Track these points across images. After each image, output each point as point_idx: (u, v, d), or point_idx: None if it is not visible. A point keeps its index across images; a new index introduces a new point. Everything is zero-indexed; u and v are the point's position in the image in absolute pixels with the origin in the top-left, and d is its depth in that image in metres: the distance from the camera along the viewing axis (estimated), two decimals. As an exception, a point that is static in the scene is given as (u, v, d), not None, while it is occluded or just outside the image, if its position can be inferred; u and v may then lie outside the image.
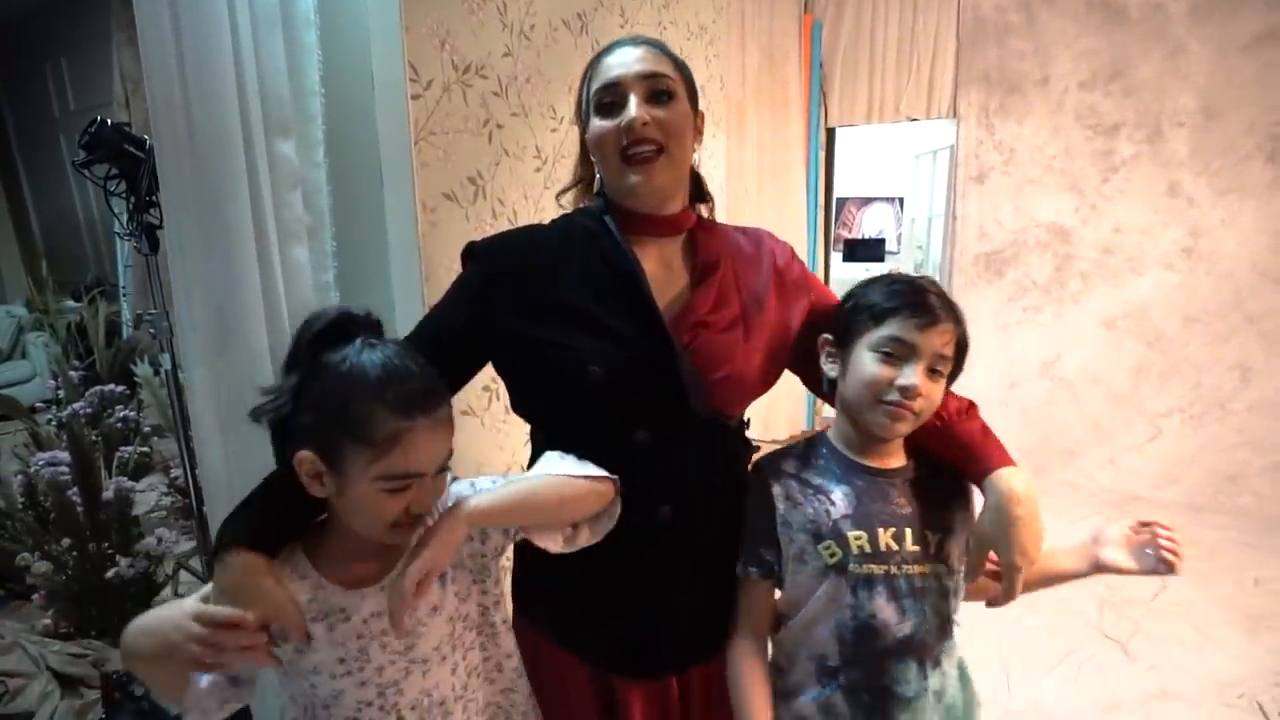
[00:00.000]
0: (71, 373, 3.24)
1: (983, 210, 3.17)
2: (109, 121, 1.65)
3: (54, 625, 1.94)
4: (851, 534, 0.76)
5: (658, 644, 0.81)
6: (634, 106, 0.72)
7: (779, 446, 0.85)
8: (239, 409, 1.22)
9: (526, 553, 0.84)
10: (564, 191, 0.86)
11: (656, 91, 0.74)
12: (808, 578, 0.78)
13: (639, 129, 0.72)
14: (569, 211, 0.84)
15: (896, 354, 0.73)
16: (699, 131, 0.80)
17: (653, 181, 0.74)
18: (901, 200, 6.19)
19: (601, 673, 0.83)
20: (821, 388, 0.85)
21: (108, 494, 2.01)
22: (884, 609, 0.76)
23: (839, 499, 0.78)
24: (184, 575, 2.19)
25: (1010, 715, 1.72)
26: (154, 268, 1.79)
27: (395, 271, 1.22)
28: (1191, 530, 2.60)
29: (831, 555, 0.76)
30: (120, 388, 2.98)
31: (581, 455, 0.73)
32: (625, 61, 0.74)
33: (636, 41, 0.77)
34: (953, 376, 0.78)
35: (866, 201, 6.52)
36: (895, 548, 0.77)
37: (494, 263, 0.78)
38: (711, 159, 2.63)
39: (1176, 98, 2.75)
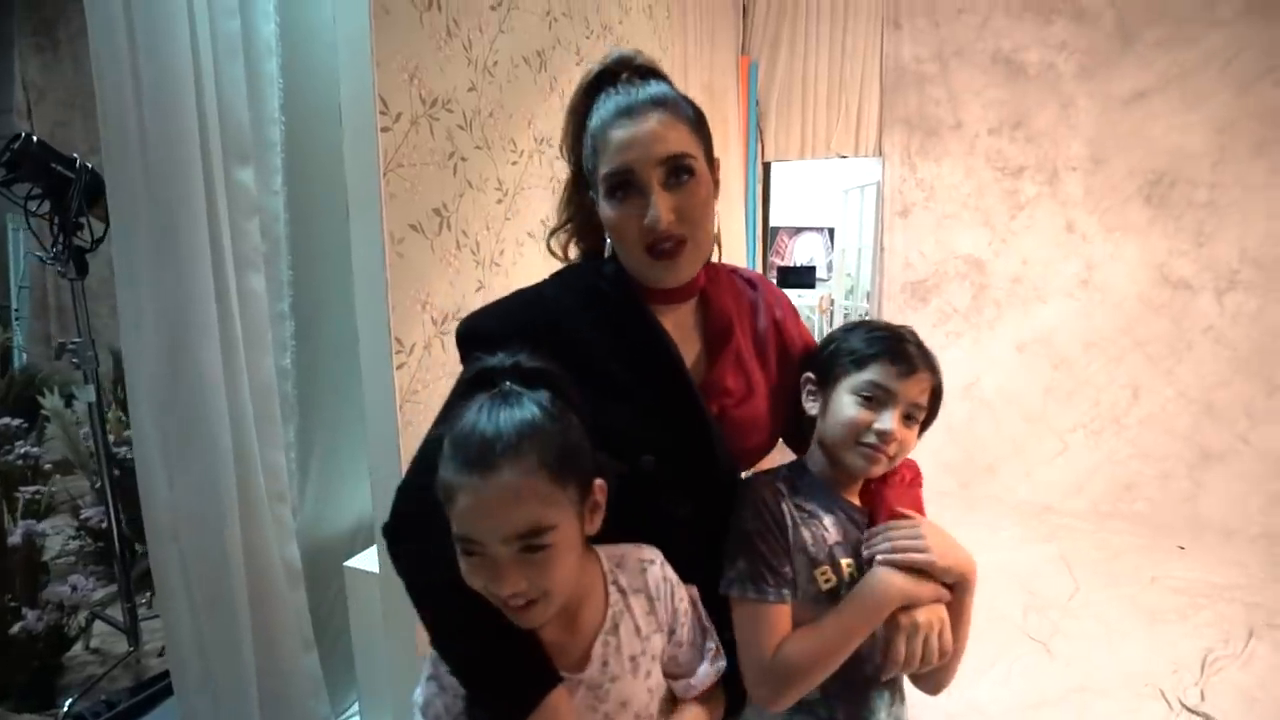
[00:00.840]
0: (-42, 405, 2.94)
1: (907, 242, 3.41)
2: (34, 138, 1.56)
3: (-53, 689, 1.74)
4: (844, 561, 0.76)
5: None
6: (654, 204, 0.66)
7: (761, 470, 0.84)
8: (189, 442, 1.18)
9: None
10: (554, 233, 0.80)
11: (676, 170, 0.67)
12: (799, 605, 0.75)
13: (664, 228, 0.66)
14: (565, 268, 0.79)
15: (875, 399, 0.75)
16: (717, 183, 0.73)
17: (679, 274, 0.70)
18: (832, 231, 6.54)
19: None
20: (794, 440, 0.87)
21: (14, 538, 1.84)
22: (866, 639, 0.75)
23: (830, 526, 0.78)
24: (99, 626, 2.02)
25: (949, 717, 1.82)
26: (79, 294, 1.69)
27: (360, 303, 1.20)
28: (1098, 536, 2.85)
29: (827, 581, 0.75)
30: (17, 421, 2.73)
31: (623, 535, 0.68)
32: (639, 138, 0.66)
33: (650, 106, 0.67)
34: (927, 422, 0.80)
35: (798, 231, 6.84)
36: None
37: (506, 341, 0.65)
38: (659, 190, 2.72)
39: (1069, 145, 3.08)
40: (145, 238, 1.11)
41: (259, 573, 1.26)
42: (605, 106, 0.70)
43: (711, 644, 0.72)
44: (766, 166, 3.80)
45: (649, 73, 0.74)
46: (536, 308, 0.73)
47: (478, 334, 0.71)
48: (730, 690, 0.75)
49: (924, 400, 0.77)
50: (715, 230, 0.75)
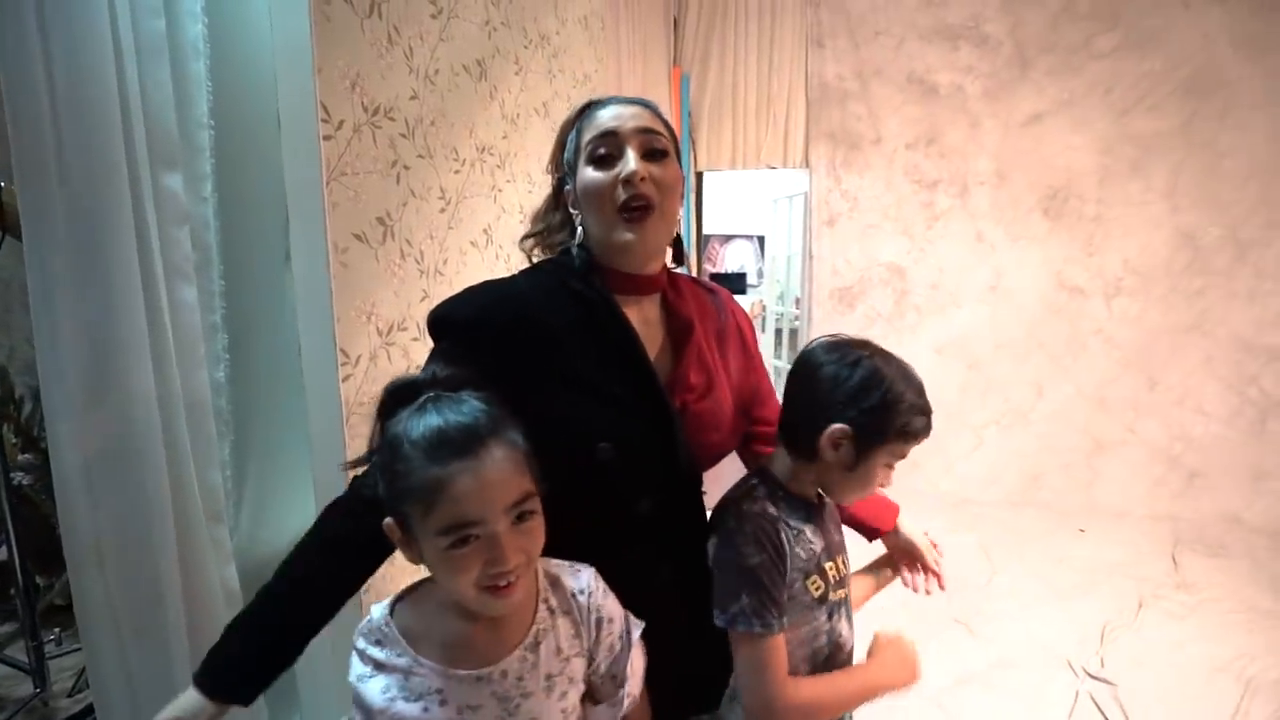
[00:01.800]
0: None
1: (834, 250, 3.58)
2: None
3: None
4: (827, 565, 0.81)
5: (662, 700, 0.78)
6: (633, 160, 0.71)
7: (731, 489, 0.83)
8: (117, 464, 1.11)
9: None
10: (527, 238, 0.83)
11: (652, 149, 0.73)
12: (795, 613, 0.79)
13: (638, 183, 0.70)
14: (539, 263, 0.81)
15: (894, 462, 0.83)
16: (681, 195, 0.79)
17: (645, 239, 0.73)
18: (762, 239, 6.76)
19: None
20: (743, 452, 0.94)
21: (-104, 577, 1.66)
22: (843, 629, 0.85)
23: (812, 535, 0.81)
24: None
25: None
26: (-25, 306, 1.55)
27: (304, 314, 1.17)
28: (1012, 523, 3.08)
29: (816, 589, 0.80)
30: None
31: (584, 529, 0.71)
32: (622, 116, 0.74)
33: (631, 100, 0.76)
34: None
35: (728, 238, 7.04)
36: (845, 572, 0.86)
37: (477, 328, 0.71)
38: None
39: (977, 161, 3.33)
40: (64, 249, 1.04)
41: (196, 598, 1.20)
42: (595, 108, 0.78)
43: (623, 692, 0.71)
44: (699, 176, 3.91)
45: (652, 107, 0.81)
46: (507, 298, 0.75)
47: (450, 320, 0.73)
48: None
49: None
50: (677, 229, 0.80)
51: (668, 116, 0.79)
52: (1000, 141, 3.27)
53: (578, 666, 0.68)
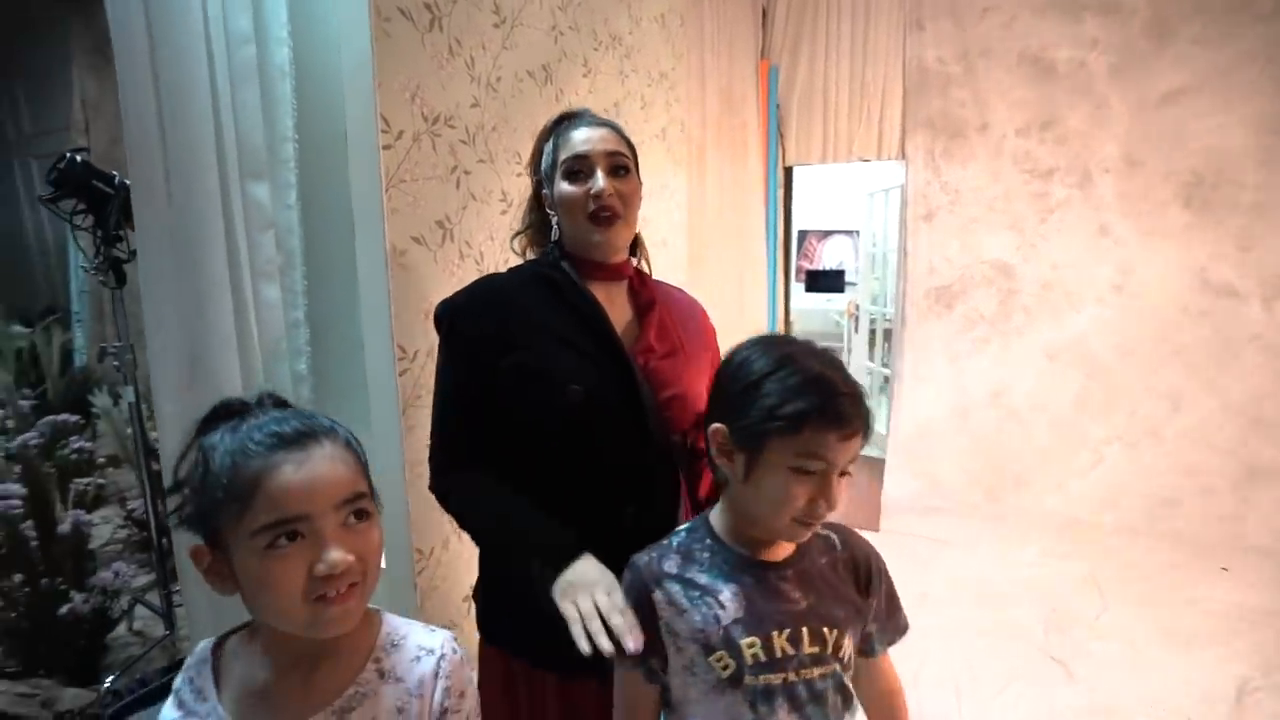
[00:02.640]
0: (21, 402, 3.16)
1: (932, 247, 3.35)
2: (78, 158, 1.68)
3: (0, 663, 1.88)
4: (744, 642, 0.68)
5: None
6: (601, 178, 0.87)
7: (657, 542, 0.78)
8: (206, 443, 1.26)
9: (488, 576, 0.95)
10: (517, 235, 1.00)
11: (616, 166, 0.89)
12: (701, 693, 0.70)
13: (605, 198, 0.86)
14: (521, 264, 0.97)
15: (813, 469, 0.65)
16: (639, 201, 0.96)
17: (612, 240, 0.90)
18: (857, 235, 6.44)
19: (571, 679, 0.89)
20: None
21: (63, 527, 1.98)
22: None
23: (728, 600, 0.70)
24: (140, 610, 2.15)
25: (959, 735, 1.79)
26: (119, 301, 1.81)
27: (366, 312, 1.27)
28: (1131, 553, 2.74)
29: (725, 668, 0.68)
30: (75, 418, 2.92)
31: (559, 461, 0.85)
32: (592, 139, 0.89)
33: (600, 122, 0.92)
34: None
35: (827, 234, 6.77)
36: (792, 651, 0.69)
37: (470, 316, 0.89)
38: (673, 197, 2.74)
39: (1102, 146, 2.98)
40: (168, 252, 1.19)
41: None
42: (569, 124, 0.93)
43: None
44: (788, 171, 3.79)
45: (617, 129, 0.97)
46: (491, 287, 0.93)
47: (447, 309, 0.91)
48: None
49: (859, 450, 0.68)
50: (636, 230, 0.95)
51: (630, 137, 0.95)
52: (1130, 123, 2.91)
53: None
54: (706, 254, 3.26)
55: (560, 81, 1.79)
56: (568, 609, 0.70)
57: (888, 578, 0.82)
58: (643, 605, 0.71)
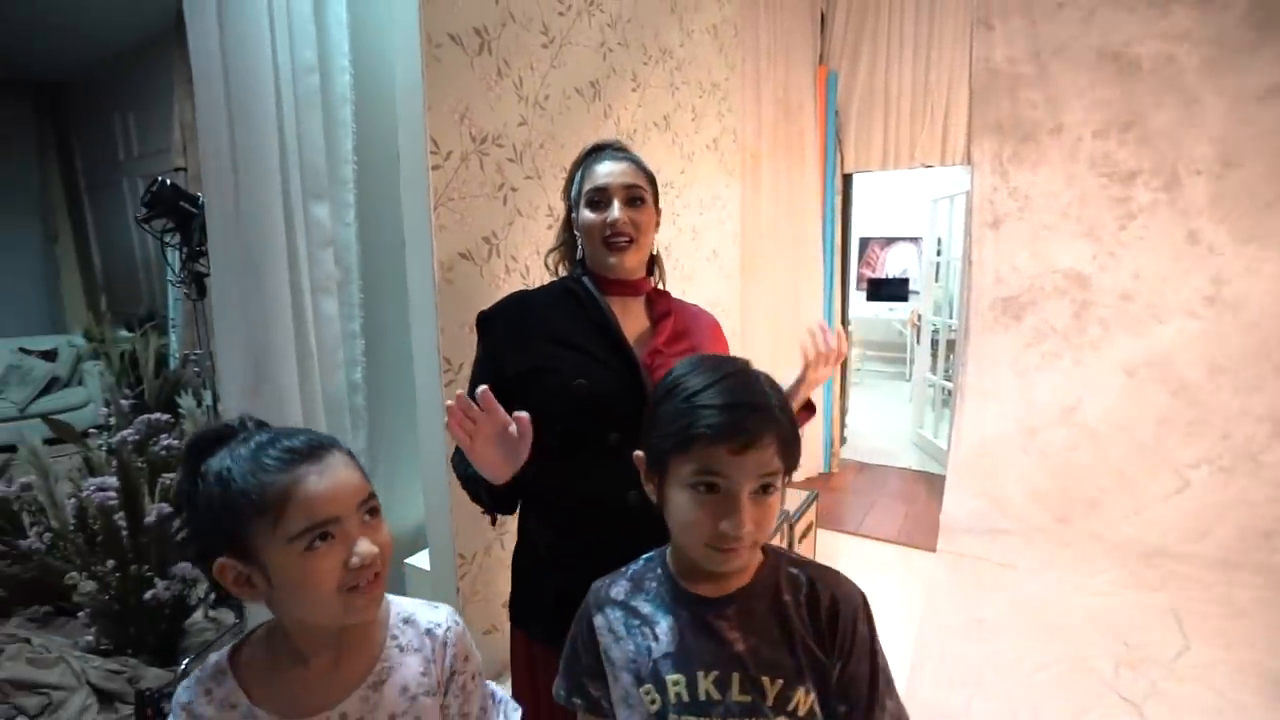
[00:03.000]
0: (122, 401, 3.45)
1: (999, 255, 3.19)
2: (169, 181, 1.82)
3: (95, 642, 2.06)
4: (670, 678, 0.64)
5: None
6: (617, 209, 0.97)
7: (613, 572, 0.76)
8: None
9: (519, 564, 1.04)
10: (551, 251, 1.10)
11: (633, 198, 0.99)
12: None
13: (619, 226, 0.97)
14: (555, 279, 1.08)
15: (716, 488, 0.62)
16: (657, 225, 1.05)
17: (625, 264, 0.99)
18: (920, 242, 6.20)
19: None
20: None
21: (150, 518, 2.14)
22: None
23: (663, 634, 0.67)
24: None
25: (1017, 773, 1.69)
26: (200, 311, 1.95)
27: (415, 325, 1.32)
28: (1220, 588, 2.52)
29: (652, 702, 0.65)
30: (166, 416, 3.16)
31: (569, 452, 0.93)
32: (613, 172, 0.99)
33: (622, 156, 1.02)
34: (788, 471, 0.65)
35: (890, 241, 6.56)
36: (718, 696, 0.64)
37: (496, 324, 1.00)
38: (725, 207, 2.72)
39: (1193, 147, 2.76)
40: (237, 268, 1.29)
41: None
42: (595, 158, 1.04)
43: None
44: (847, 178, 3.70)
45: (637, 161, 1.06)
46: (520, 298, 1.04)
47: (484, 317, 1.02)
48: None
49: (776, 463, 0.62)
50: (655, 252, 1.06)
51: (650, 169, 1.04)
52: (1225, 121, 2.69)
53: (427, 707, 0.67)
54: (759, 263, 3.22)
55: (609, 97, 1.82)
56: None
57: (871, 642, 0.68)
58: (585, 629, 0.72)
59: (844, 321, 3.89)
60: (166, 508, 2.33)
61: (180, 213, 1.81)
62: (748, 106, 3.01)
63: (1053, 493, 3.04)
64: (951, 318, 4.16)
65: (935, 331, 4.26)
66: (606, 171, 0.99)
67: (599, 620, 0.71)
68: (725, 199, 2.71)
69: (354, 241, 1.50)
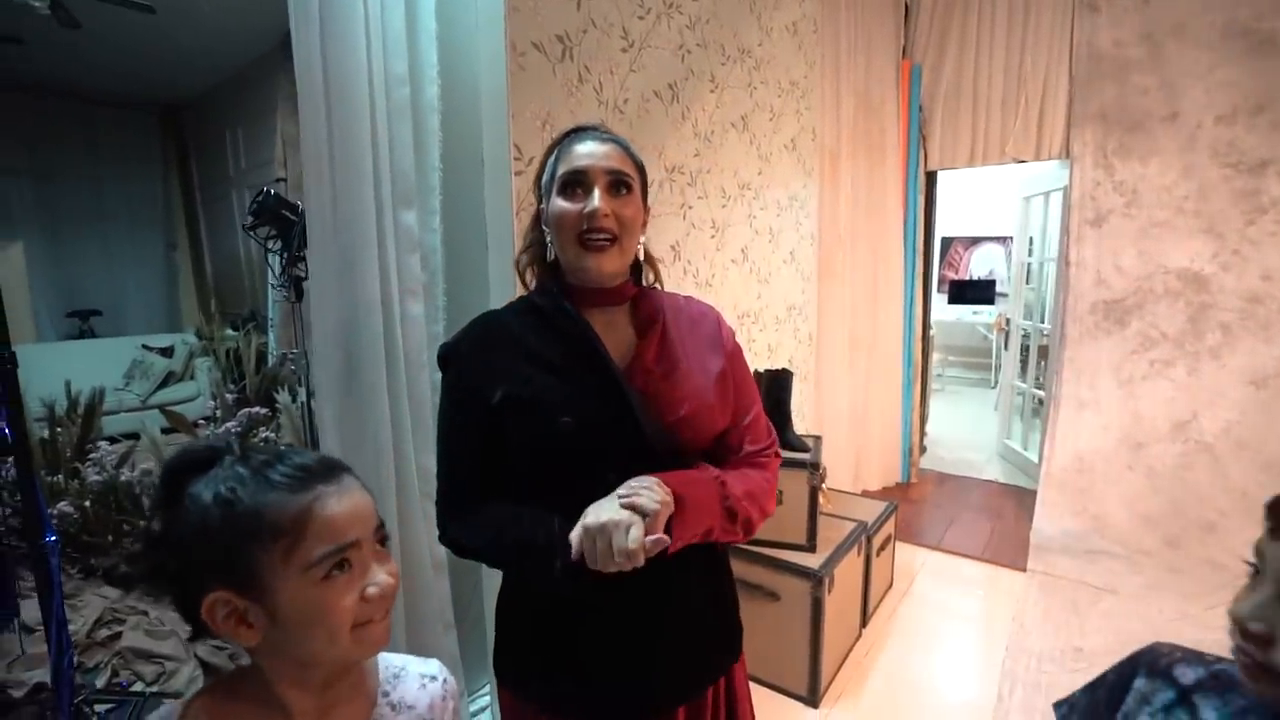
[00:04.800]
0: (227, 395, 3.73)
1: (1100, 255, 2.96)
2: (272, 191, 1.95)
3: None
4: None
5: (652, 679, 0.83)
6: (597, 197, 0.78)
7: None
8: (357, 439, 1.41)
9: (508, 620, 0.89)
10: (522, 253, 0.92)
11: (617, 184, 0.80)
12: None
13: (599, 219, 0.78)
14: (518, 298, 0.92)
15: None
16: (644, 223, 0.87)
17: (603, 268, 0.81)
18: (1010, 241, 5.84)
19: None
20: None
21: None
22: None
23: None
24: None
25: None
26: (298, 313, 2.08)
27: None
28: (1368, 626, 2.23)
29: None
30: (264, 410, 3.40)
31: (560, 500, 0.76)
32: (594, 153, 0.81)
33: (605, 138, 0.84)
34: None
35: (975, 241, 6.22)
36: None
37: (463, 357, 0.84)
38: (802, 208, 2.65)
39: (1337, 132, 2.47)
40: (332, 271, 1.35)
41: (411, 561, 1.46)
42: (574, 138, 0.85)
43: None
44: (930, 176, 3.53)
45: (624, 146, 0.88)
46: (484, 322, 0.88)
47: (447, 348, 0.87)
48: None
49: None
50: (642, 249, 0.87)
51: (639, 157, 0.86)
52: (1379, 103, 2.39)
53: None
54: (837, 265, 3.12)
55: (687, 99, 1.80)
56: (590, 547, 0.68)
57: None
58: (1119, 679, 0.67)
59: (925, 325, 3.72)
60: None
61: (282, 220, 1.93)
62: (826, 104, 2.92)
63: (1162, 514, 2.79)
64: (1043, 322, 3.89)
65: (1025, 336, 4.00)
66: (587, 152, 0.81)
67: (1140, 684, 0.65)
68: (803, 199, 2.64)
69: (439, 246, 1.55)
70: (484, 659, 1.75)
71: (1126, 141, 2.86)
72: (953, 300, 5.87)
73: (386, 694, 0.64)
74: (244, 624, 0.53)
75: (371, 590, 0.55)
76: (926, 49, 3.33)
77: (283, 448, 0.60)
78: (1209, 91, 2.69)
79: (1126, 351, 2.91)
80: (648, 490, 0.72)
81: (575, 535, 0.70)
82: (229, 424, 3.10)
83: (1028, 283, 4.04)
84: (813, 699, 1.89)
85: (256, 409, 3.36)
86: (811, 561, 1.86)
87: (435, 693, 0.66)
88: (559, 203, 0.81)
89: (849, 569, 2.03)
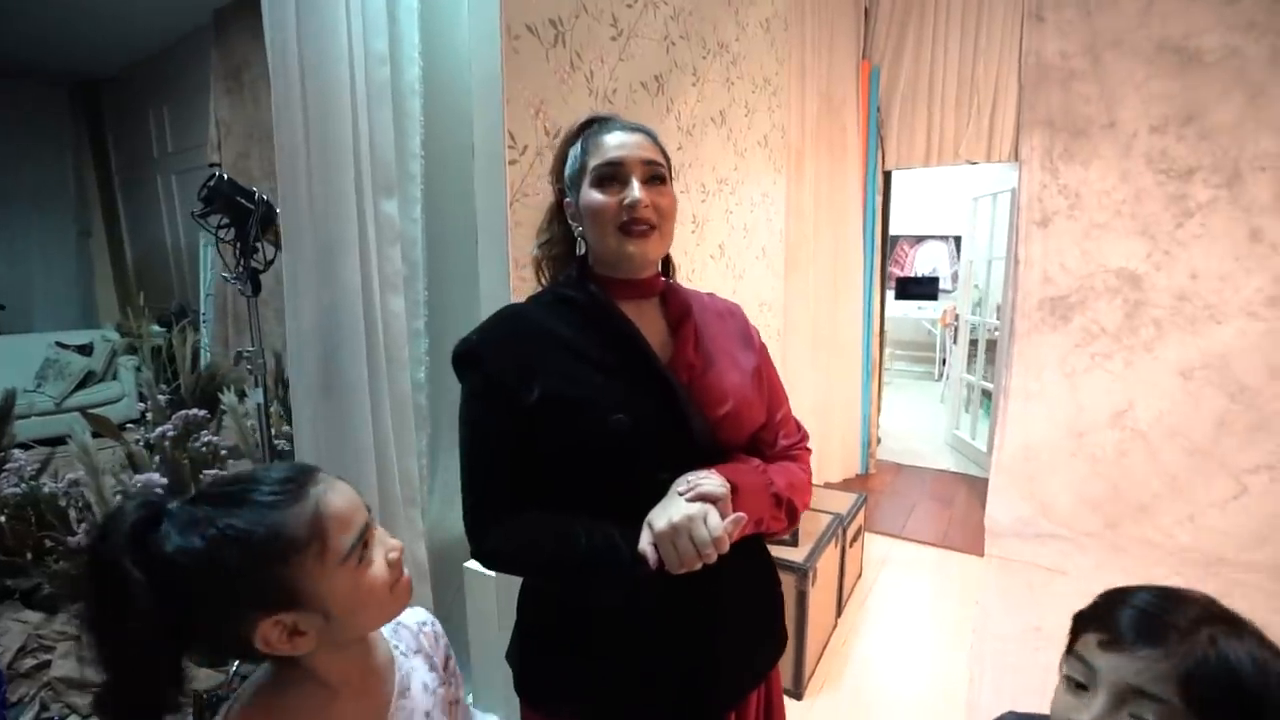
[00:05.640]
0: (159, 397, 3.45)
1: (1047, 254, 3.11)
2: (225, 176, 1.80)
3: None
4: None
5: (709, 684, 0.81)
6: (637, 188, 0.77)
7: None
8: (336, 441, 1.32)
9: (542, 636, 0.85)
10: (541, 246, 0.90)
11: (652, 176, 0.79)
12: None
13: (641, 210, 0.77)
14: (539, 292, 0.88)
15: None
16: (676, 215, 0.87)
17: (648, 254, 0.80)
18: (959, 240, 6.10)
19: None
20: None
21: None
22: None
23: None
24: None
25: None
26: (254, 308, 1.93)
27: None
28: (1283, 597, 2.44)
29: None
30: (203, 412, 3.17)
31: (610, 500, 0.74)
32: (627, 144, 0.79)
33: (634, 127, 0.82)
34: None
35: (919, 240, 6.46)
36: None
37: (489, 356, 0.79)
38: (773, 204, 2.67)
39: (1256, 141, 2.68)
40: (308, 262, 1.26)
41: (392, 568, 1.38)
42: (599, 129, 0.82)
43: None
44: (887, 175, 3.63)
45: (653, 135, 0.86)
46: (508, 317, 0.83)
47: (470, 344, 0.82)
48: None
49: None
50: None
51: (665, 144, 0.85)
52: (1293, 116, 2.60)
53: (441, 697, 0.72)
54: (801, 261, 3.16)
55: (671, 91, 1.77)
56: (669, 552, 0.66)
57: None
58: None
59: (881, 321, 3.83)
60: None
61: (236, 207, 1.79)
62: (793, 103, 2.95)
63: (1103, 497, 2.97)
64: (989, 317, 4.08)
65: (973, 330, 4.19)
66: (619, 143, 0.79)
67: None
68: (773, 196, 2.66)
69: (420, 237, 1.46)
70: (465, 668, 1.68)
71: (1070, 147, 3.01)
72: (899, 296, 6.09)
73: (396, 646, 0.71)
74: (298, 634, 0.56)
75: (393, 555, 0.62)
76: (885, 51, 3.41)
77: (227, 476, 0.59)
78: (1144, 102, 2.86)
79: (1070, 345, 3.08)
80: (707, 479, 0.70)
81: (647, 543, 0.67)
82: (164, 427, 2.87)
83: (975, 280, 4.23)
84: (797, 690, 1.91)
85: (194, 411, 3.13)
86: (796, 555, 1.88)
87: (429, 633, 0.75)
88: (594, 195, 0.78)
89: (828, 561, 2.06)
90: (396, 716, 0.65)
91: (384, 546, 0.62)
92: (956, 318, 4.30)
